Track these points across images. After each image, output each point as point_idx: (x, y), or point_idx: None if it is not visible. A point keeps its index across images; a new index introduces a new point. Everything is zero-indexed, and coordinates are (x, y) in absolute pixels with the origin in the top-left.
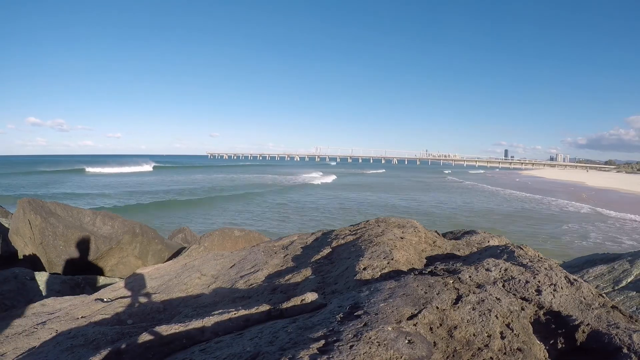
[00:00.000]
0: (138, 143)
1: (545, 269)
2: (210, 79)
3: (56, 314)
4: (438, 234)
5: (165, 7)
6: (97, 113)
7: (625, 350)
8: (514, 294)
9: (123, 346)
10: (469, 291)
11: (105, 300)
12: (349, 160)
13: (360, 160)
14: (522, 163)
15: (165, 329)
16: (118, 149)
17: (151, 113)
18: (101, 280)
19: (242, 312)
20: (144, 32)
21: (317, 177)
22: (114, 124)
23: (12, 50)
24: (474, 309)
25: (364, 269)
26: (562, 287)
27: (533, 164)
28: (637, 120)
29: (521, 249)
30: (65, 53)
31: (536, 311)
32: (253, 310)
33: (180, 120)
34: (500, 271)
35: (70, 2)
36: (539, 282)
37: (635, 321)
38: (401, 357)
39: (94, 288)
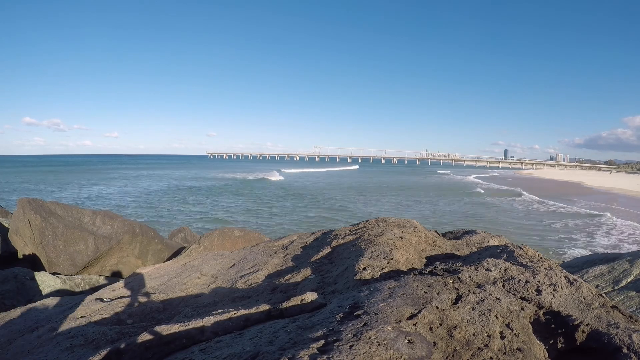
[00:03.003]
0: (136, 143)
1: (545, 268)
2: (207, 78)
3: (56, 314)
4: (438, 233)
5: (162, 7)
6: (93, 113)
7: (625, 350)
8: (514, 294)
9: (123, 346)
10: (469, 291)
11: (104, 300)
12: (349, 160)
13: (360, 160)
14: (521, 163)
15: (165, 329)
16: (117, 149)
17: (148, 112)
18: (101, 280)
19: (242, 311)
20: (141, 32)
21: None
22: (111, 124)
23: (6, 50)
24: (473, 309)
25: (364, 268)
26: (561, 287)
27: (533, 163)
28: (634, 120)
29: (521, 249)
30: (60, 53)
31: (536, 311)
32: (253, 310)
33: (178, 120)
34: (500, 271)
35: (65, 1)
36: (538, 282)
37: (635, 321)
38: (401, 357)
39: (93, 288)
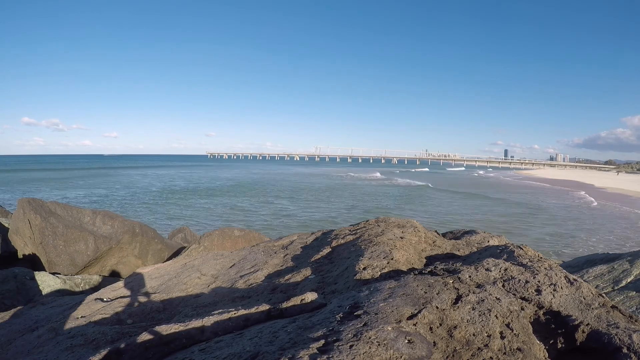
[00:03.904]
0: (136, 143)
1: (545, 268)
2: (207, 78)
3: (56, 314)
4: (438, 233)
5: (162, 6)
6: (92, 112)
7: (625, 350)
8: (514, 294)
9: (122, 346)
10: (469, 291)
11: (104, 299)
12: (349, 160)
13: (360, 160)
14: (522, 163)
15: (164, 329)
16: (117, 149)
17: (147, 112)
18: (101, 280)
19: (242, 311)
20: (140, 31)
21: None
22: (110, 124)
23: (5, 50)
24: (473, 309)
25: (364, 268)
26: (561, 287)
27: (533, 163)
28: (633, 120)
29: (521, 249)
30: (59, 52)
31: (536, 311)
32: (253, 310)
33: (177, 120)
34: (500, 271)
35: (66, 1)
36: (538, 282)
37: (635, 321)
38: (401, 357)
39: (93, 288)
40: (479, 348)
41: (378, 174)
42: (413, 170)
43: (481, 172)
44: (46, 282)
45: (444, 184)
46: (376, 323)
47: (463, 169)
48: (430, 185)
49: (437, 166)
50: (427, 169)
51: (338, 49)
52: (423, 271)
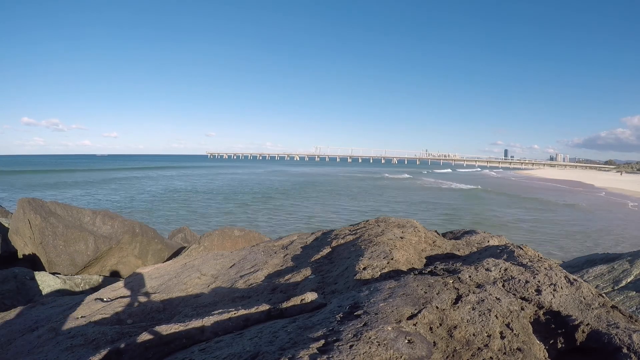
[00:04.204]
0: (136, 143)
1: (545, 268)
2: (207, 78)
3: (56, 314)
4: (438, 233)
5: (161, 6)
6: (92, 112)
7: (625, 350)
8: (514, 294)
9: (122, 346)
10: (469, 291)
11: (104, 299)
12: (349, 160)
13: (360, 160)
14: (522, 163)
15: (164, 329)
16: (117, 149)
17: (147, 112)
18: (101, 280)
19: (242, 311)
20: (140, 31)
21: None
22: (110, 124)
23: (4, 49)
24: (473, 309)
25: (364, 268)
26: (561, 287)
27: (533, 163)
28: (633, 120)
29: (521, 248)
30: (59, 52)
31: (536, 311)
32: (253, 310)
33: (177, 120)
34: (500, 271)
35: (65, 1)
36: (538, 282)
37: (635, 321)
38: (401, 357)
39: (93, 288)
40: (479, 348)
41: (406, 175)
42: (431, 170)
43: (493, 173)
44: (46, 282)
45: (488, 186)
46: (376, 323)
47: (478, 169)
48: (480, 187)
49: (440, 166)
50: (449, 170)
51: (338, 49)
52: (423, 271)
